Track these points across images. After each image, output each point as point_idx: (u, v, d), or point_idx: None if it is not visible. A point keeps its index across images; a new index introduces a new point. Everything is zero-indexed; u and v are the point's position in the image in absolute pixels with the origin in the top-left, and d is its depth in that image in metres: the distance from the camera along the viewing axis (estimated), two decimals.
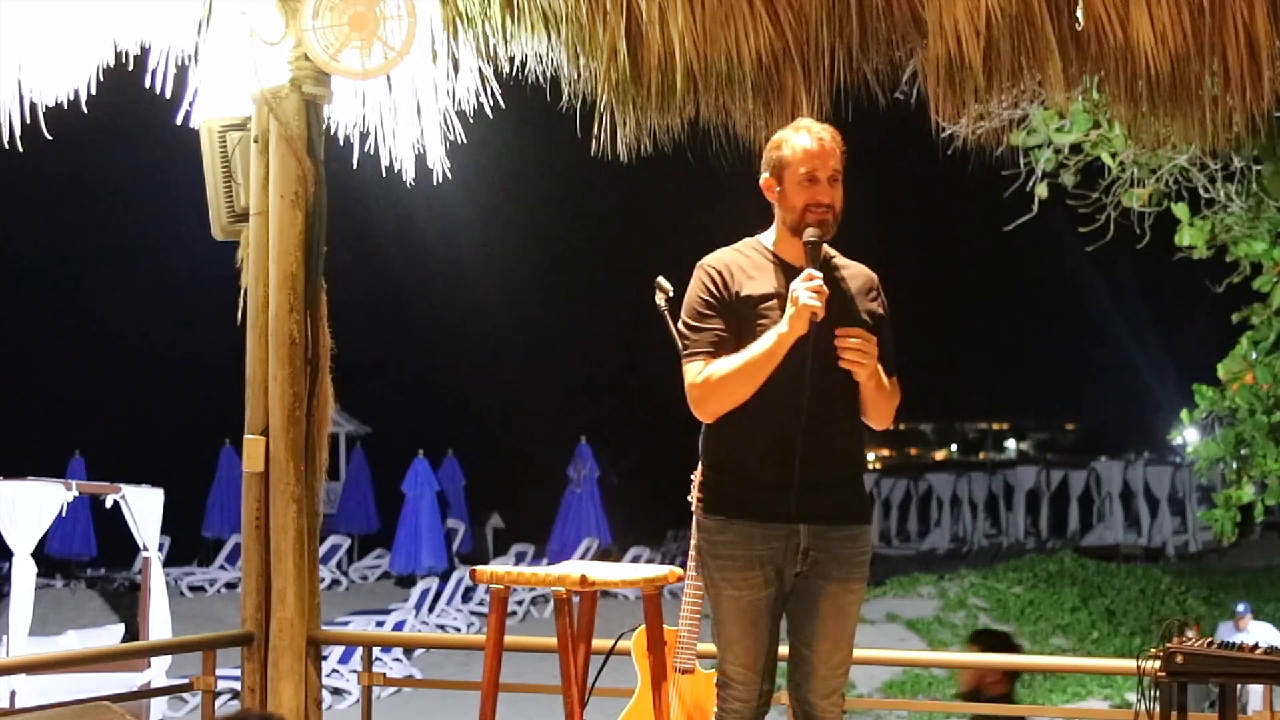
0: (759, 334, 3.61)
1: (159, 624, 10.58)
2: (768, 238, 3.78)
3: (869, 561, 3.76)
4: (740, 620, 3.65)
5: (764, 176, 3.77)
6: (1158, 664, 3.67)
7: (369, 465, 26.22)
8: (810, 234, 3.63)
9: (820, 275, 3.57)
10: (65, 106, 4.93)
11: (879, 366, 3.64)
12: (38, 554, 10.17)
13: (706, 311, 3.68)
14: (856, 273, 3.80)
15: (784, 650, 3.77)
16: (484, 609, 18.33)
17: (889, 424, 3.77)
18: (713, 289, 3.69)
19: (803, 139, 3.69)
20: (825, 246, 3.73)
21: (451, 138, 5.14)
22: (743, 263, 3.72)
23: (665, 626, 4.23)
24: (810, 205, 3.65)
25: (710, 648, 3.88)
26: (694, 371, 3.65)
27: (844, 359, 3.56)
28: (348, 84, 4.99)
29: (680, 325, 3.75)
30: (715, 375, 3.61)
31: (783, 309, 3.59)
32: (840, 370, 3.60)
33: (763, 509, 3.62)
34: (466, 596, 19.81)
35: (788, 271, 3.67)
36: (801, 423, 3.57)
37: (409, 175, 5.16)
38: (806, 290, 3.52)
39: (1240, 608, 14.12)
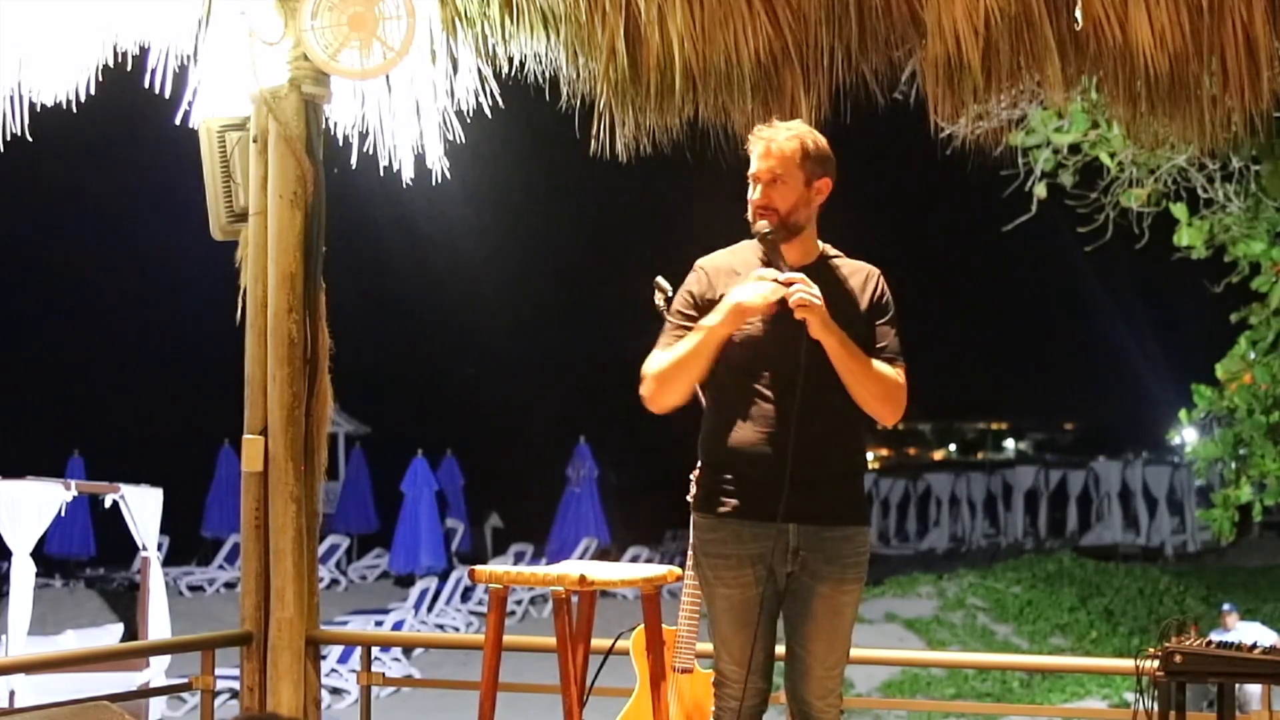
0: (739, 334, 3.66)
1: (158, 623, 10.58)
2: None
3: (865, 562, 3.75)
4: (733, 619, 3.67)
5: None
6: (1156, 664, 3.67)
7: (368, 465, 26.20)
8: (759, 227, 3.71)
9: (798, 278, 3.60)
10: (64, 106, 4.94)
11: (836, 326, 3.61)
12: (37, 553, 10.16)
13: (683, 310, 3.78)
14: (855, 269, 3.82)
15: (782, 650, 3.78)
16: (483, 608, 18.33)
17: (892, 415, 3.71)
18: (693, 290, 3.79)
19: (753, 144, 3.79)
20: (825, 245, 3.80)
21: (450, 138, 5.14)
22: (733, 264, 3.78)
23: (664, 626, 4.23)
24: (752, 205, 3.74)
25: (709, 647, 3.89)
26: (644, 367, 3.75)
27: (791, 305, 3.58)
28: (347, 84, 4.99)
29: None
30: (652, 370, 3.71)
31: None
32: (831, 368, 3.62)
33: (753, 508, 3.64)
34: (465, 596, 19.81)
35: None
36: (794, 422, 3.58)
37: (408, 175, 5.17)
38: (752, 290, 3.61)
39: (1225, 606, 14.15)
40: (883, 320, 3.77)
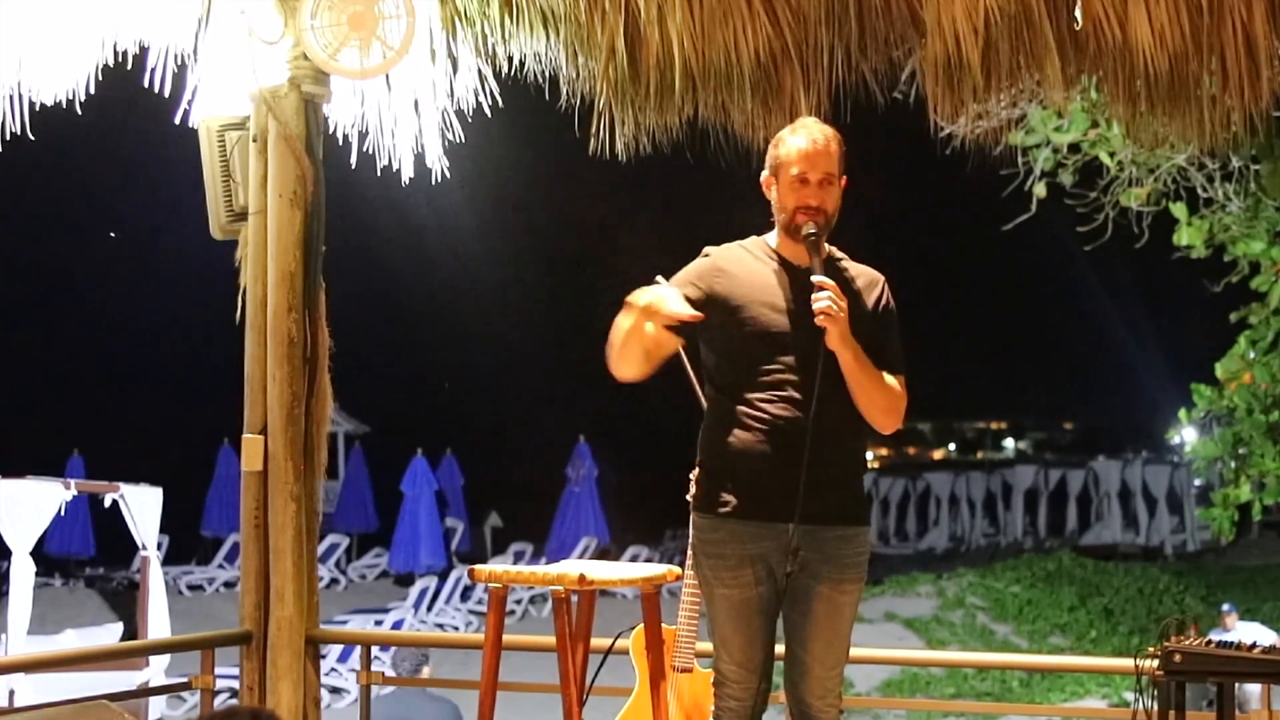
0: (744, 329, 3.65)
1: (158, 623, 10.58)
2: (771, 237, 3.81)
3: (866, 563, 3.75)
4: (733, 619, 3.67)
5: (764, 174, 3.81)
6: (1156, 663, 3.67)
7: (367, 464, 26.19)
8: (809, 228, 3.65)
9: (830, 285, 3.57)
10: (64, 105, 4.94)
11: (853, 339, 3.60)
12: (36, 553, 10.16)
13: (684, 281, 3.71)
14: (860, 272, 3.82)
15: (781, 650, 3.78)
16: (482, 608, 18.33)
17: (891, 425, 3.72)
18: (698, 273, 3.72)
19: (798, 139, 3.72)
20: (830, 247, 3.77)
21: (450, 137, 5.14)
22: (745, 258, 3.75)
23: (664, 625, 4.23)
24: (800, 207, 3.68)
25: (709, 646, 3.89)
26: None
27: (815, 310, 3.55)
28: (346, 83, 4.99)
29: None
30: (611, 340, 3.62)
31: (764, 306, 3.64)
32: (838, 370, 3.61)
33: (754, 508, 3.63)
34: (465, 595, 19.81)
35: (787, 269, 3.71)
36: (808, 424, 3.57)
37: (407, 174, 5.17)
38: (668, 295, 3.54)
39: (1225, 606, 14.15)
40: (887, 329, 3.77)
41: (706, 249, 3.79)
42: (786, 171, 3.70)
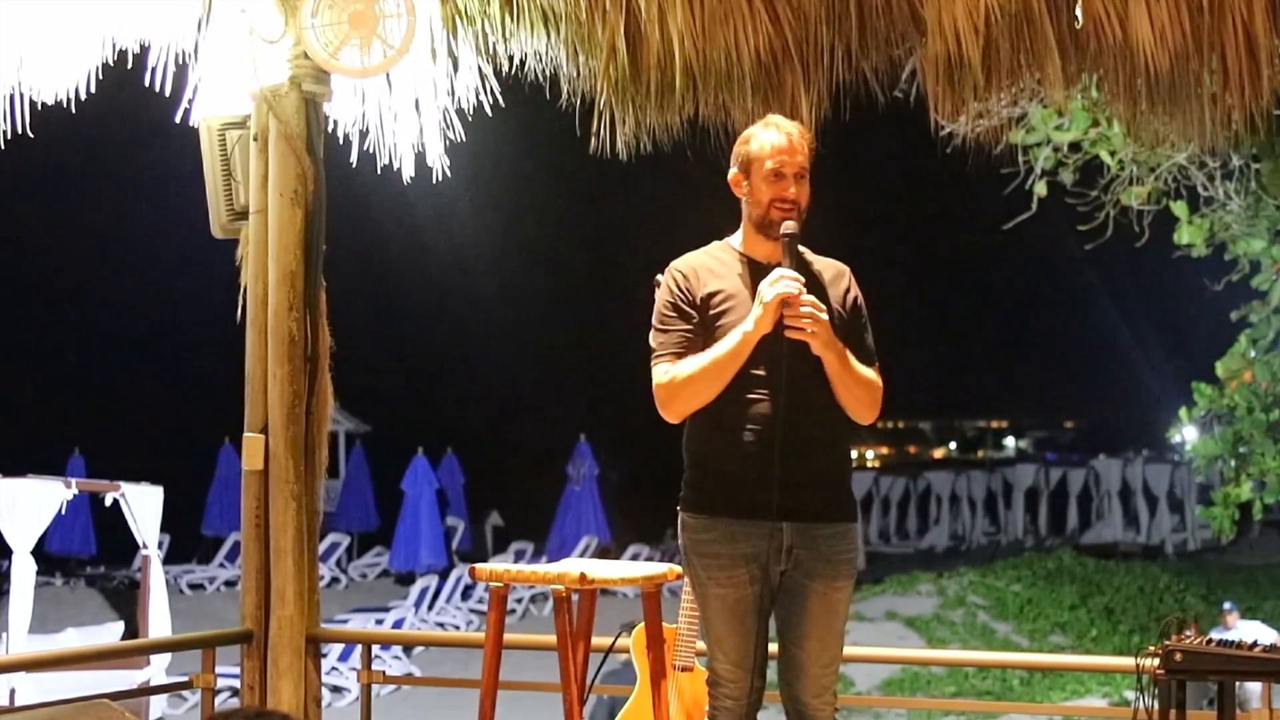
0: (720, 328, 3.63)
1: (158, 622, 10.59)
2: (736, 238, 3.80)
3: (856, 559, 3.75)
4: (727, 618, 3.65)
5: (732, 172, 3.78)
6: (1156, 662, 3.67)
7: (368, 463, 26.22)
8: (787, 227, 3.64)
9: (794, 274, 3.57)
10: (65, 104, 4.94)
11: (838, 341, 3.60)
12: (37, 552, 10.18)
13: (670, 314, 3.70)
14: (826, 265, 3.80)
15: (775, 649, 3.77)
16: (483, 607, 18.33)
17: (871, 417, 3.73)
18: (677, 291, 3.71)
19: (771, 135, 3.71)
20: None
21: (451, 136, 5.14)
22: (709, 263, 3.74)
23: (664, 624, 4.23)
24: (776, 201, 3.66)
25: None
26: (660, 373, 3.66)
27: (790, 325, 3.53)
28: (347, 82, 4.99)
29: (652, 331, 3.76)
30: (680, 376, 3.62)
31: (745, 307, 3.62)
32: (818, 365, 3.61)
33: (745, 507, 3.61)
34: (466, 594, 19.83)
35: (755, 269, 3.69)
36: (780, 420, 3.57)
37: (408, 173, 5.17)
38: (772, 288, 3.54)
39: (1226, 604, 14.15)
40: (857, 320, 3.77)
41: (672, 265, 3.75)
42: (760, 166, 3.69)
